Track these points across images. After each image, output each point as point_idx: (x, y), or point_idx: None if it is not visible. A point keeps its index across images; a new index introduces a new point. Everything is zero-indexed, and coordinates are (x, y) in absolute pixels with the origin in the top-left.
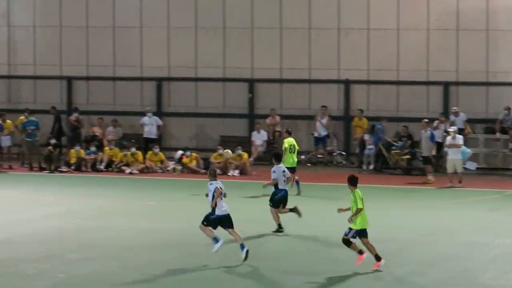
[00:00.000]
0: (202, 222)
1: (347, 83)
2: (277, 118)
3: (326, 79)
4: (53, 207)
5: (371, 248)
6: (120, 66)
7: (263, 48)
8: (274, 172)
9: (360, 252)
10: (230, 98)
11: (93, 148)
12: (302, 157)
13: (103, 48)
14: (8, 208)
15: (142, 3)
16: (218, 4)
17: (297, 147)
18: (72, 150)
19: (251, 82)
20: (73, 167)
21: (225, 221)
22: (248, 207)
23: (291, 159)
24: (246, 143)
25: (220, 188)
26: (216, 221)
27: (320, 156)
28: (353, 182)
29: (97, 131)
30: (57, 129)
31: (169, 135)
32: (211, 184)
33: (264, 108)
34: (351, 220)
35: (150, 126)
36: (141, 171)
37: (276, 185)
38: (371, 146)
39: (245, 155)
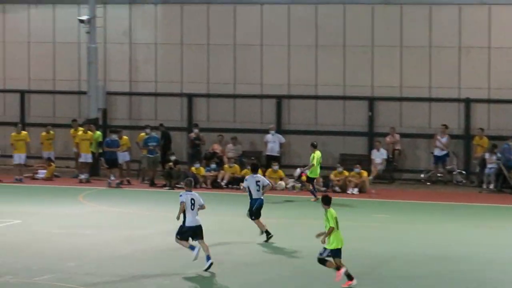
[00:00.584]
0: (176, 236)
1: (468, 102)
2: (397, 136)
3: (447, 97)
4: (173, 224)
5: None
6: (240, 84)
7: (383, 66)
8: (246, 180)
9: (338, 268)
10: (350, 116)
11: (213, 165)
12: (422, 175)
13: (224, 66)
14: (128, 224)
15: (263, 21)
16: (338, 22)
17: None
18: (192, 168)
19: (371, 100)
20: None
21: (198, 232)
22: (362, 225)
23: (319, 171)
24: (365, 161)
25: (192, 199)
26: (189, 232)
27: (439, 174)
28: (326, 201)
29: (217, 148)
30: (163, 146)
31: (289, 153)
32: (181, 196)
33: (384, 126)
34: (324, 240)
35: (272, 143)
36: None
37: (250, 196)
38: (492, 165)
39: (365, 174)
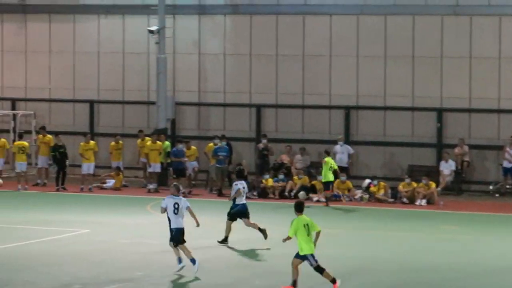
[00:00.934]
0: (170, 241)
1: None
2: (466, 148)
3: None
4: (239, 234)
5: (295, 273)
6: (308, 94)
7: (452, 77)
8: (236, 184)
9: (333, 281)
10: (419, 127)
11: (281, 176)
12: (490, 187)
13: (292, 76)
14: (196, 234)
15: (332, 31)
16: (407, 33)
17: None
18: (261, 178)
19: (440, 111)
20: (256, 194)
21: (178, 235)
22: (430, 237)
23: (331, 175)
24: (433, 173)
25: (176, 204)
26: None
27: (508, 186)
28: (297, 208)
29: (285, 159)
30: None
31: (357, 164)
32: (163, 200)
33: (453, 138)
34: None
35: (341, 154)
36: (329, 199)
37: (234, 200)
38: None
39: (433, 185)
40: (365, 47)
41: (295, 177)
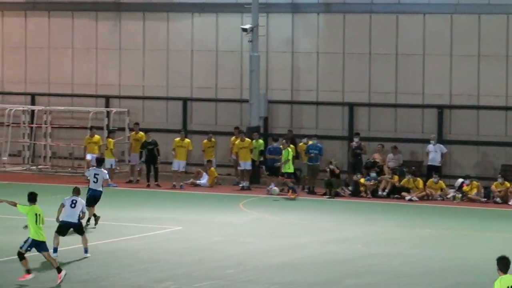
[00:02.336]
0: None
1: None
2: None
3: None
4: (331, 233)
5: (52, 262)
6: (401, 93)
7: None
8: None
9: (28, 271)
10: None
11: (373, 174)
12: None
13: (385, 75)
14: (288, 233)
15: (425, 30)
16: (501, 32)
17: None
18: (354, 177)
19: None
20: (349, 192)
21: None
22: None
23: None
24: None
25: (74, 201)
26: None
27: None
28: (30, 198)
29: (377, 157)
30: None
31: (451, 163)
32: (65, 199)
33: None
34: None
35: (434, 153)
36: (421, 198)
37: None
38: None
39: None
40: (459, 46)
41: (386, 176)
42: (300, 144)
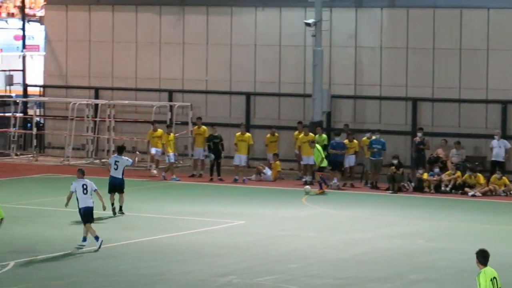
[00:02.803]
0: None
1: None
2: None
3: None
4: (394, 228)
5: None
6: (465, 88)
7: None
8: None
9: None
10: None
11: (436, 170)
12: None
13: (449, 70)
14: (350, 227)
15: (489, 25)
16: None
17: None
18: (417, 173)
19: None
20: (412, 187)
21: (87, 214)
22: None
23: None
24: None
25: (84, 185)
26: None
27: None
28: None
29: (441, 153)
30: None
31: None
32: (71, 184)
33: None
34: None
35: (498, 149)
36: (484, 194)
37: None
38: None
39: None
40: None
41: (449, 172)
42: (364, 138)
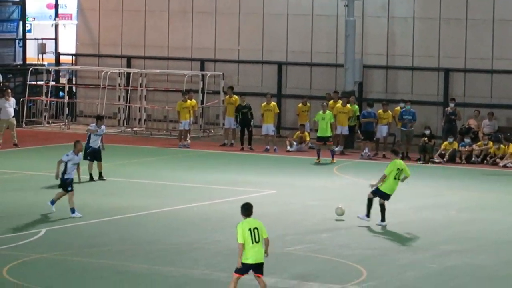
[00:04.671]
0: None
1: None
2: None
3: None
4: (426, 198)
5: None
6: (498, 59)
7: None
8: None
9: None
10: None
11: (467, 140)
12: None
13: (482, 41)
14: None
15: None
16: None
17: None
18: (446, 143)
19: None
20: (445, 159)
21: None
22: None
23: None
24: None
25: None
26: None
27: None
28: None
29: (473, 123)
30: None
31: None
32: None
33: None
34: None
35: None
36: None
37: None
38: None
39: None
40: None
41: (481, 143)
42: (396, 108)
